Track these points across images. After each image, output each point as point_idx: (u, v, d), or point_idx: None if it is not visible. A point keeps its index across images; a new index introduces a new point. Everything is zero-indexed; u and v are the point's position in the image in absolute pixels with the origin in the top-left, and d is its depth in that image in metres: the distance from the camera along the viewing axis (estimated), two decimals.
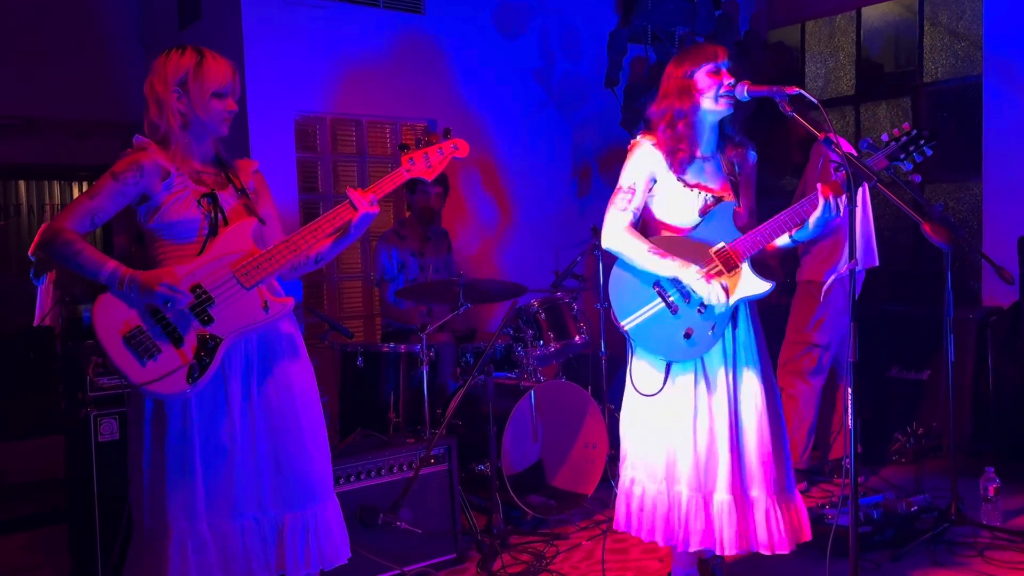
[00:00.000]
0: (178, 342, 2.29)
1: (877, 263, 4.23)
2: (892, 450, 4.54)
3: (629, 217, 2.74)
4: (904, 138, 2.62)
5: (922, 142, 2.61)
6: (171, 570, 2.26)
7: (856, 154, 2.58)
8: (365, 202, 2.41)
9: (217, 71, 2.37)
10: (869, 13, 6.08)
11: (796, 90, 2.51)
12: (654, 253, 2.68)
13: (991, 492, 3.58)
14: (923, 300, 5.52)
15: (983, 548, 3.33)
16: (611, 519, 3.80)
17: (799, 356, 4.18)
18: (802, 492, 4.11)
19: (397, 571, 3.23)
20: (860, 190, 2.47)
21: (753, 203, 2.88)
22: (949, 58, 5.67)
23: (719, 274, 2.68)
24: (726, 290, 2.65)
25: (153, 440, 2.33)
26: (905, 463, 4.44)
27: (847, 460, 2.36)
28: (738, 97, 2.68)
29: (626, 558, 3.45)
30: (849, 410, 2.33)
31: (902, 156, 2.65)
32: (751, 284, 2.68)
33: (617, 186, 2.79)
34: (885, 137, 2.65)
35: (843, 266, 4.03)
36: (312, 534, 2.42)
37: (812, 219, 2.65)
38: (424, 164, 2.51)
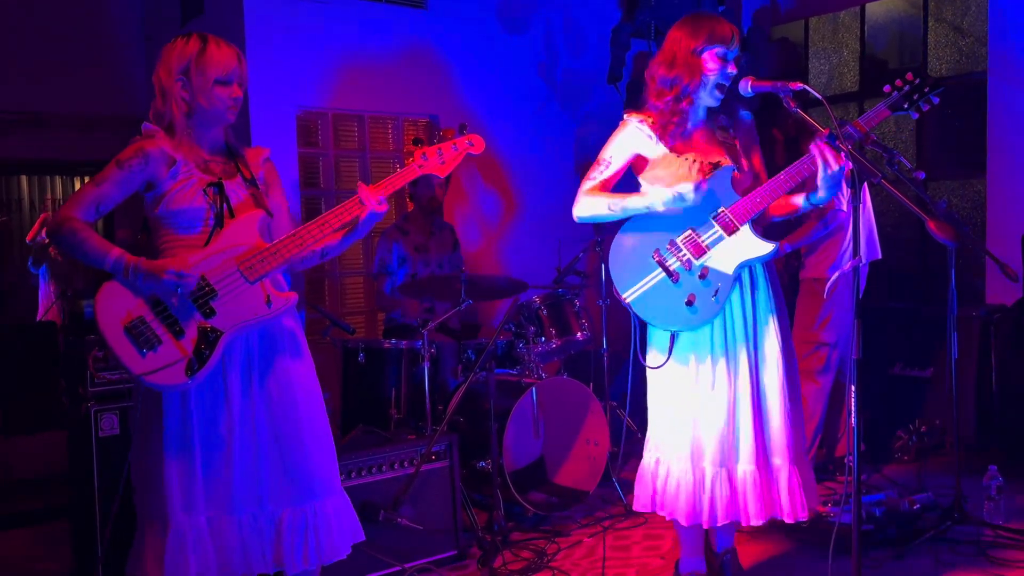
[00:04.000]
0: (179, 334, 2.29)
1: (880, 256, 4.22)
2: (895, 448, 4.53)
3: (596, 185, 2.76)
4: (907, 87, 2.56)
5: (927, 89, 2.55)
6: (168, 562, 2.26)
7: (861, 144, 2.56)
8: (374, 200, 2.41)
9: (220, 58, 2.36)
10: (873, 9, 6.05)
11: (800, 86, 2.50)
12: (620, 197, 2.69)
13: (994, 490, 3.56)
14: (927, 297, 5.52)
15: (986, 546, 3.32)
16: (613, 516, 3.82)
17: (807, 355, 4.16)
18: None
19: (398, 568, 3.23)
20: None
21: (759, 163, 2.84)
22: (954, 54, 5.64)
23: (718, 239, 2.66)
24: (701, 178, 2.62)
25: (153, 432, 2.33)
26: (908, 461, 4.43)
27: (850, 458, 2.36)
28: (742, 93, 2.66)
29: (628, 555, 3.44)
30: (852, 408, 2.32)
31: (905, 105, 2.59)
32: (753, 246, 2.65)
33: (596, 159, 2.81)
34: (887, 88, 2.59)
35: (846, 262, 4.04)
36: (311, 530, 2.41)
37: (819, 178, 2.58)
38: (437, 160, 2.50)
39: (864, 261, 4.10)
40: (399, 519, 3.19)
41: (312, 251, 2.49)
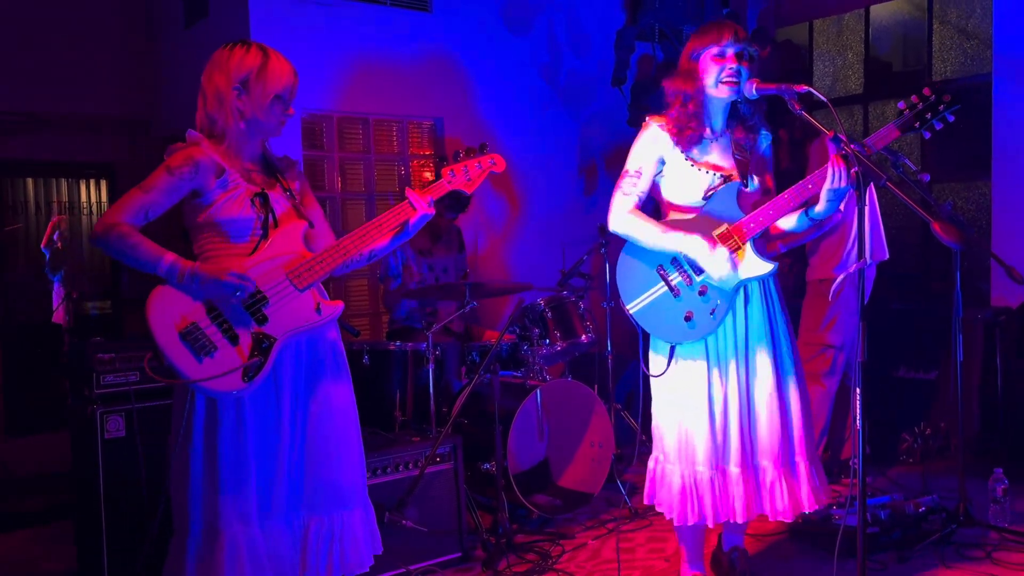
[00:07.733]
0: (234, 340, 2.26)
1: (887, 256, 4.21)
2: (900, 450, 4.52)
3: (634, 200, 2.79)
4: (921, 104, 2.52)
5: (942, 107, 2.51)
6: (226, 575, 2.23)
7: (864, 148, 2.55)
8: (424, 203, 2.46)
9: (281, 73, 2.36)
10: (878, 11, 6.05)
11: (805, 88, 2.50)
12: (659, 230, 2.72)
13: (999, 493, 3.56)
14: (931, 300, 5.50)
15: (991, 549, 3.31)
16: (617, 518, 3.84)
17: (813, 358, 4.15)
18: None
19: (402, 570, 3.23)
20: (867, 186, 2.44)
21: (769, 185, 2.85)
22: (958, 57, 5.64)
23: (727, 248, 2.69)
24: (734, 261, 2.67)
25: (206, 442, 2.29)
26: (913, 463, 4.42)
27: (855, 460, 2.35)
28: (746, 95, 2.66)
29: (632, 557, 3.44)
30: (857, 411, 2.31)
31: (917, 125, 2.55)
32: (753, 265, 2.70)
33: (624, 169, 2.83)
34: (901, 105, 2.55)
35: (852, 263, 4.03)
36: (336, 540, 2.40)
37: (824, 189, 2.58)
38: (464, 177, 2.55)
39: (871, 262, 4.09)
40: (404, 521, 3.20)
41: (359, 253, 2.50)
